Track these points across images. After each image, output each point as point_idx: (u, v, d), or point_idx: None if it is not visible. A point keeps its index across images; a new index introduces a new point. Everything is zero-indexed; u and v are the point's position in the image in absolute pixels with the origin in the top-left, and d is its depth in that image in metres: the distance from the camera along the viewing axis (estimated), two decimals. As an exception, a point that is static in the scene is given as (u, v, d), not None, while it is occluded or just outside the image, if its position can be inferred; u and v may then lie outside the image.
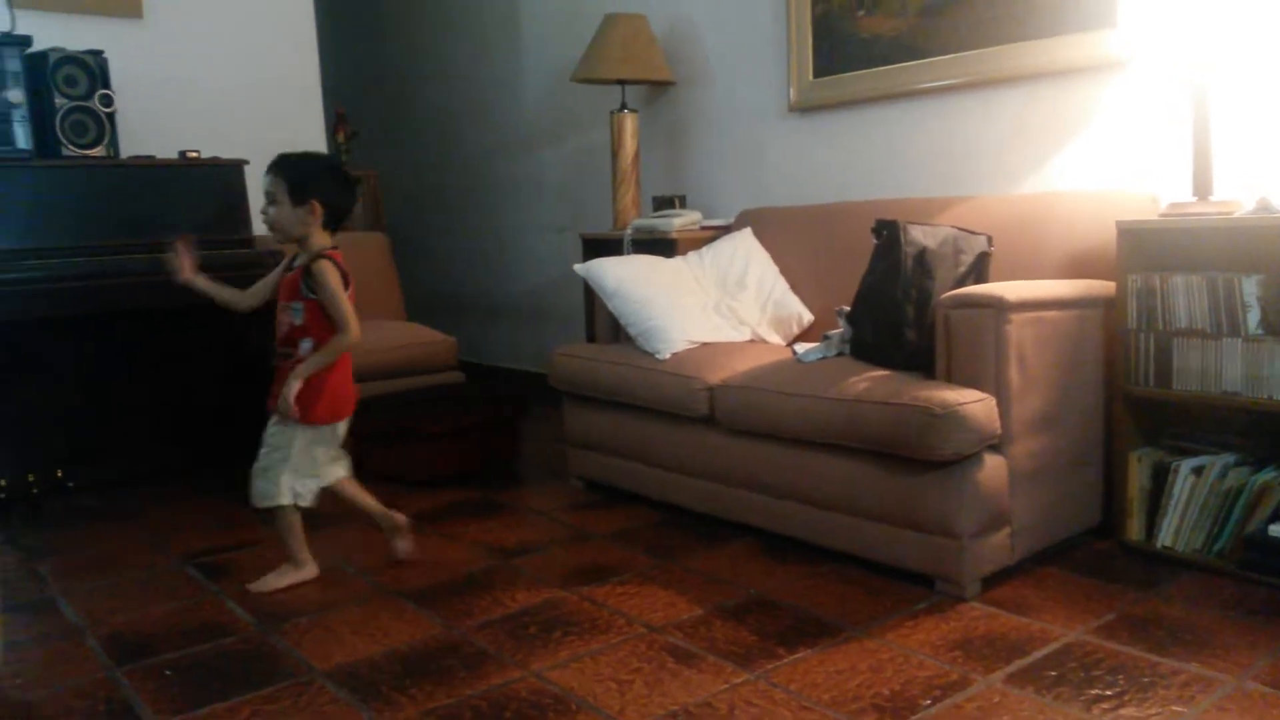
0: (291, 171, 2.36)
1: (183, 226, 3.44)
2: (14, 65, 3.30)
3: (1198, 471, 2.34)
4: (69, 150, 3.36)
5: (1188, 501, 2.35)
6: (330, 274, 2.34)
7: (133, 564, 2.67)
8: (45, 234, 3.22)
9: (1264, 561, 2.21)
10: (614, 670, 1.92)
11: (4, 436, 3.31)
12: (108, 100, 3.44)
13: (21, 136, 3.33)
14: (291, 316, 2.39)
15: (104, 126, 3.44)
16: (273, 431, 2.41)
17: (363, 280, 4.14)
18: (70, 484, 3.33)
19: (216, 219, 3.56)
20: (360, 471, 3.50)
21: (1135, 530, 2.45)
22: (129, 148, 3.61)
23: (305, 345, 2.37)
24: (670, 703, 1.79)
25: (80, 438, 3.44)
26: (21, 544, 2.82)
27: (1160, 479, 2.40)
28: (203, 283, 2.46)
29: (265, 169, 2.38)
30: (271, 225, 2.39)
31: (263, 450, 2.42)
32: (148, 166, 3.48)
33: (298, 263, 2.41)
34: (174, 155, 3.62)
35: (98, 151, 3.42)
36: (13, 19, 3.42)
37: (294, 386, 2.31)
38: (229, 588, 2.46)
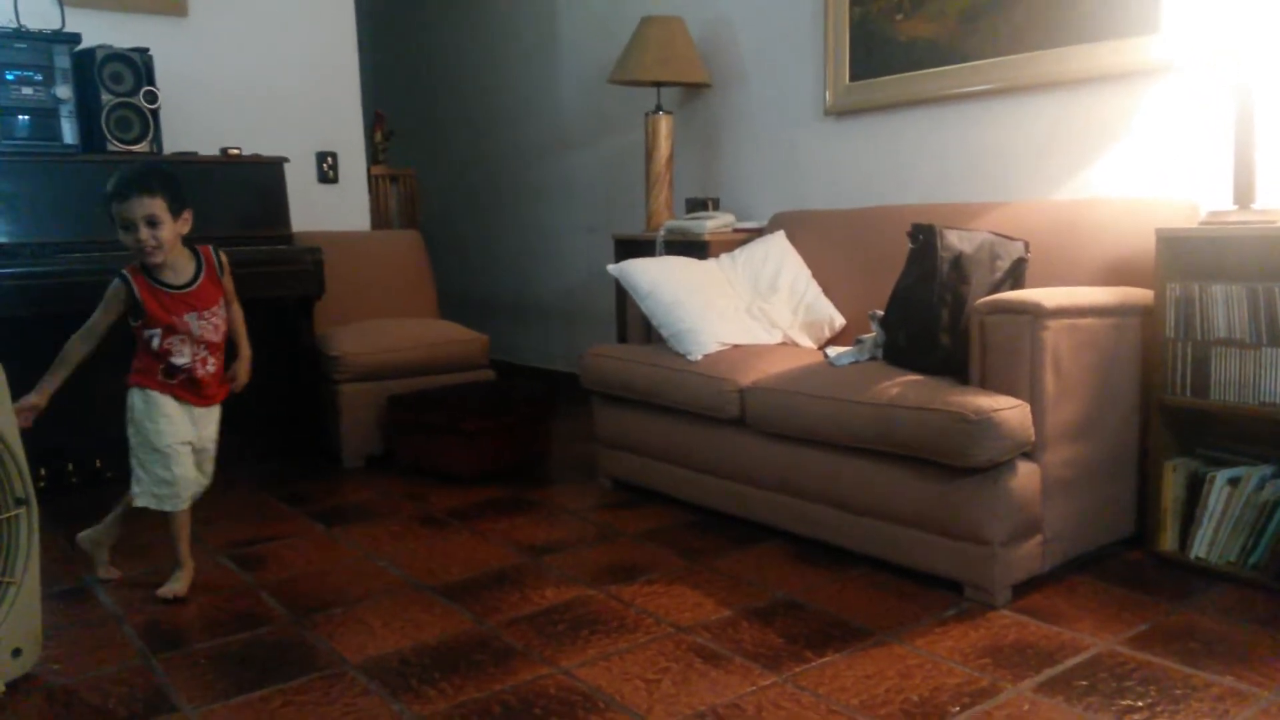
0: (165, 186, 2.25)
1: (224, 221, 3.53)
2: (63, 62, 3.37)
3: (1234, 483, 2.31)
4: (114, 146, 3.42)
5: (1223, 513, 2.32)
6: None
7: (168, 554, 2.71)
8: (91, 227, 3.27)
9: (1302, 576, 2.18)
10: (642, 669, 1.93)
11: (49, 425, 3.37)
12: (152, 97, 3.50)
13: (69, 132, 3.40)
14: (222, 313, 2.41)
15: (148, 122, 3.50)
16: (217, 423, 2.49)
17: (397, 278, 4.22)
18: (109, 474, 3.38)
19: (257, 215, 3.62)
20: (392, 465, 3.56)
21: (1169, 541, 2.42)
22: (172, 144, 3.68)
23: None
24: (698, 703, 1.79)
25: (122, 430, 3.49)
26: (59, 533, 2.88)
27: (1195, 490, 2.37)
28: (42, 400, 2.28)
29: (128, 193, 2.20)
30: (156, 248, 2.24)
31: (214, 447, 2.50)
32: (190, 162, 3.54)
33: (173, 280, 2.32)
34: (216, 152, 3.68)
35: (141, 147, 3.48)
36: (63, 16, 3.49)
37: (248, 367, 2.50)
38: (263, 578, 2.50)
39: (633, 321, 3.35)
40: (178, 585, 2.38)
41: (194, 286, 2.35)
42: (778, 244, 3.35)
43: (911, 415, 2.22)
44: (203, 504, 3.15)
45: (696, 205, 3.90)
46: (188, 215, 2.32)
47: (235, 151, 3.67)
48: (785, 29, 3.75)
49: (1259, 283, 2.23)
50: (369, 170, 4.71)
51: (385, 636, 2.12)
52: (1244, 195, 2.32)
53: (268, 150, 3.77)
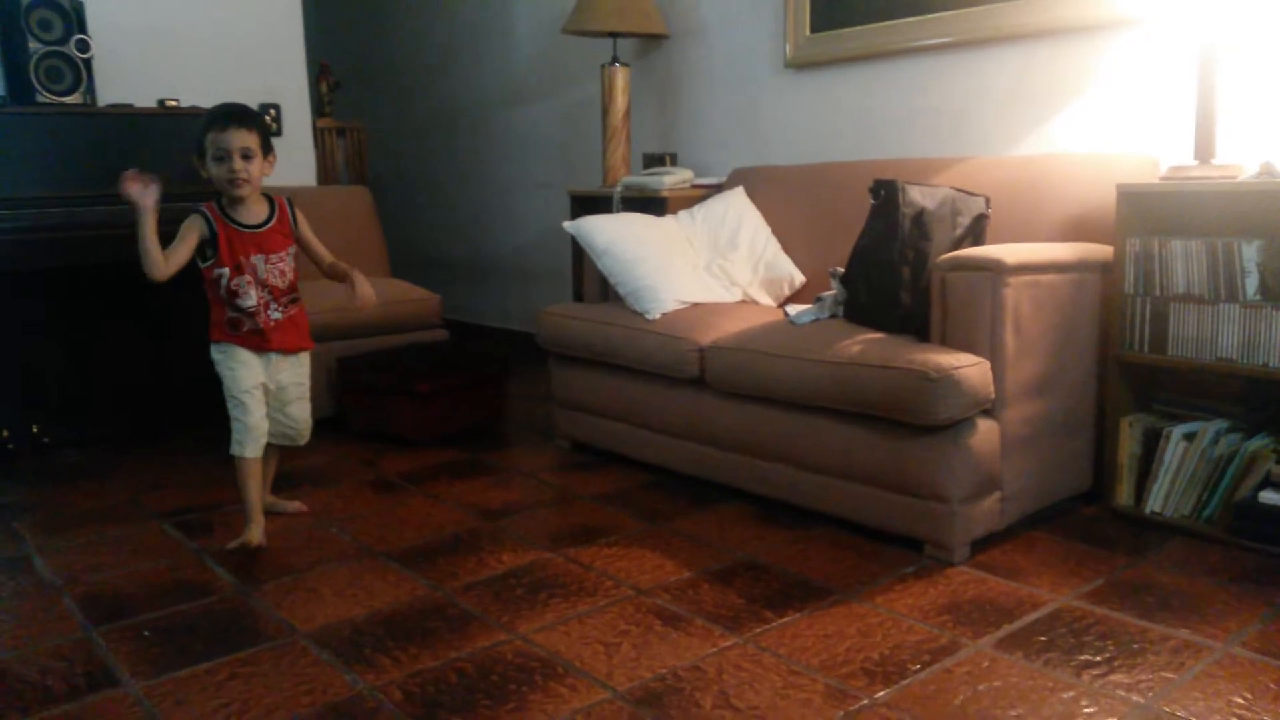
0: (261, 124, 2.34)
1: (162, 176, 3.38)
2: (-16, 7, 3.20)
3: (1189, 438, 2.33)
4: (44, 97, 3.26)
5: (1178, 468, 2.34)
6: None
7: (111, 521, 2.63)
8: (18, 183, 3.13)
9: (1253, 528, 2.20)
10: (601, 633, 1.90)
11: (-21, 390, 3.25)
12: (84, 45, 3.34)
13: (-7, 82, 3.23)
14: (290, 262, 2.42)
15: (80, 73, 3.34)
16: (305, 371, 2.50)
17: (346, 235, 4.10)
18: (46, 440, 3.28)
19: (196, 169, 3.46)
20: (343, 429, 3.48)
21: (1125, 496, 2.44)
22: (106, 95, 3.52)
23: (296, 284, 2.46)
24: (658, 666, 1.77)
25: (58, 394, 3.38)
26: (-2, 500, 2.78)
27: (1151, 445, 2.38)
28: (151, 225, 2.22)
29: (226, 123, 2.28)
30: (245, 181, 2.30)
31: (303, 390, 2.49)
32: (126, 115, 3.39)
33: (246, 219, 2.35)
34: (152, 104, 3.53)
35: (74, 99, 3.32)
36: (-17, -41, 3.30)
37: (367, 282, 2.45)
38: (208, 546, 2.42)
39: (589, 280, 3.28)
40: (249, 535, 2.37)
41: (264, 229, 2.37)
42: (737, 200, 3.29)
43: (872, 373, 2.20)
44: (146, 470, 3.08)
45: (654, 161, 3.83)
46: (273, 158, 2.38)
47: (173, 103, 3.52)
48: (744, -21, 3.67)
49: (1218, 238, 2.23)
50: (314, 123, 4.55)
51: (337, 604, 2.07)
52: (1205, 150, 2.31)
53: (207, 101, 3.54)
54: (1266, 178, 2.20)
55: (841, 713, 1.60)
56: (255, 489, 2.41)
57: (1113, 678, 1.69)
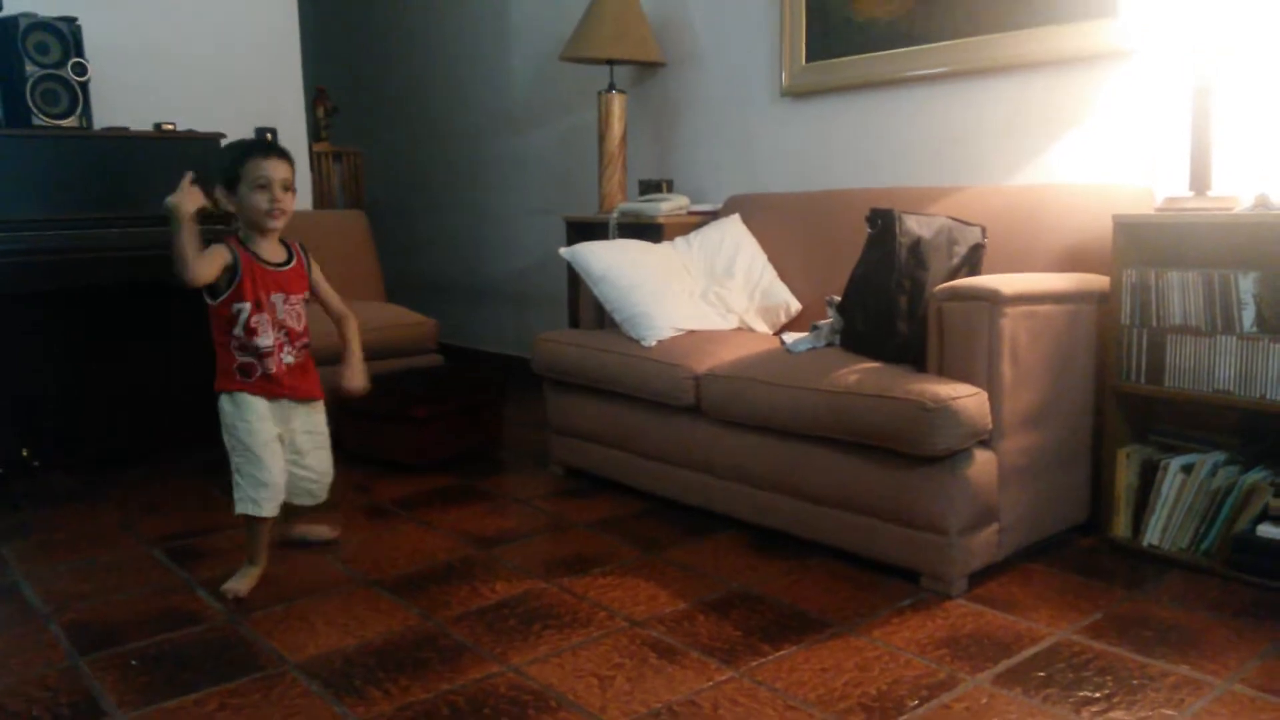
0: (292, 160, 2.31)
1: (157, 200, 3.37)
2: (-18, 30, 3.20)
3: (1187, 469, 2.32)
4: (40, 120, 3.25)
5: (1176, 500, 2.33)
6: None
7: (100, 547, 2.60)
8: (13, 206, 3.12)
9: (1252, 562, 2.19)
10: (595, 665, 1.88)
11: (-31, 413, 3.22)
12: (81, 69, 3.34)
13: (-10, 105, 3.23)
14: (303, 308, 2.36)
15: (77, 96, 3.34)
16: (321, 420, 2.43)
17: (342, 260, 4.09)
18: (36, 464, 3.25)
19: (216, 200, 3.47)
20: (337, 454, 3.45)
21: (1122, 527, 2.42)
22: (103, 119, 3.51)
23: (308, 330, 2.40)
24: (653, 700, 1.74)
25: (49, 417, 3.36)
26: (-15, 525, 2.75)
27: (1149, 476, 2.37)
28: (190, 227, 2.14)
29: (269, 153, 2.24)
30: (284, 213, 2.27)
31: (321, 439, 2.42)
32: (122, 138, 3.38)
33: (269, 256, 2.30)
34: (149, 127, 3.52)
35: (70, 122, 3.32)
36: (-18, -18, 3.31)
37: (363, 368, 2.43)
38: (199, 574, 2.40)
39: (585, 306, 3.28)
40: (242, 583, 2.26)
41: (286, 269, 2.32)
42: (733, 228, 3.30)
43: (869, 403, 2.19)
44: (137, 495, 3.05)
45: (650, 187, 3.84)
46: (294, 199, 2.33)
47: (170, 127, 3.51)
48: (741, 7, 3.69)
49: (1214, 269, 2.23)
50: (311, 148, 4.56)
51: (328, 634, 2.04)
52: (1200, 182, 2.32)
53: (204, 126, 3.61)
54: (1262, 210, 2.21)
55: (839, 749, 1.58)
56: (265, 538, 2.32)
57: (1112, 715, 1.67)
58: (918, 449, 2.11)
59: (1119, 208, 2.41)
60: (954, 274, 2.40)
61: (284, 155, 2.27)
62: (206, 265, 2.18)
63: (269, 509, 2.26)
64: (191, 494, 3.07)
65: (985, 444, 2.20)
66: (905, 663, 1.87)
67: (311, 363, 2.40)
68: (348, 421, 3.43)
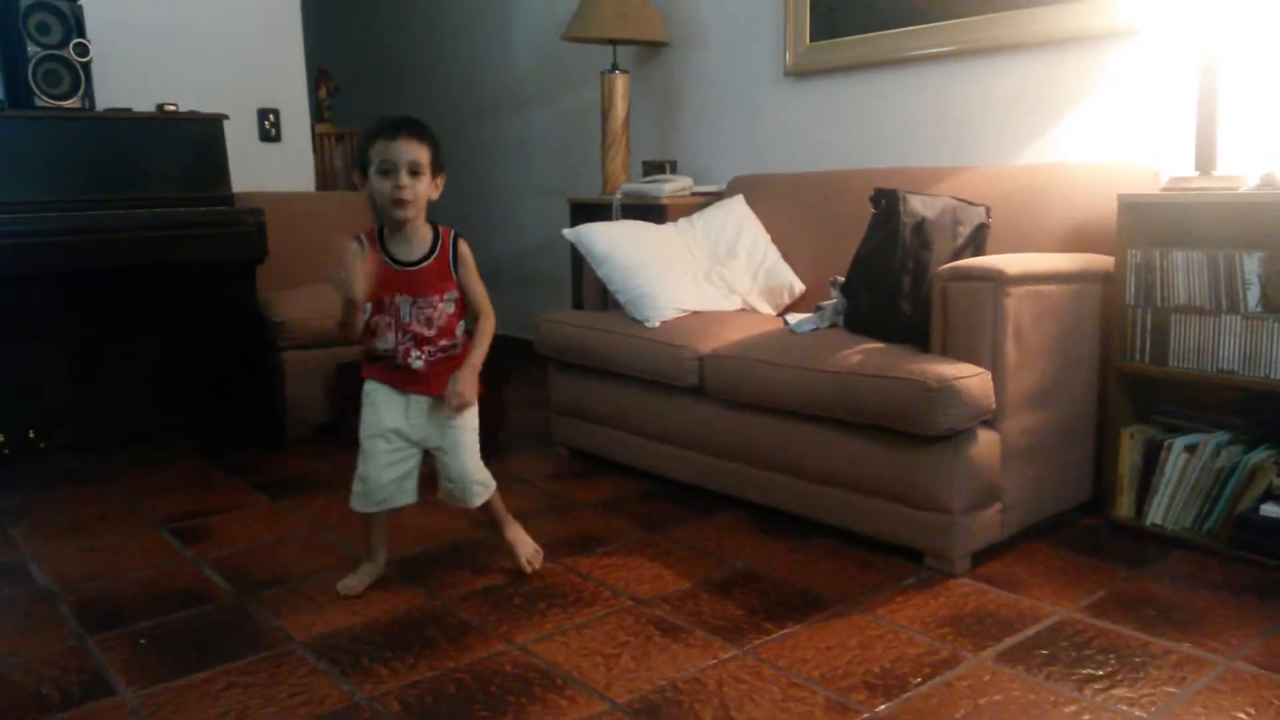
0: (434, 139, 2.05)
1: (160, 182, 3.38)
2: (-18, 11, 3.19)
3: (1190, 449, 2.32)
4: (42, 101, 3.25)
5: (1179, 479, 2.33)
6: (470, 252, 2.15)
7: (107, 527, 2.61)
8: (16, 188, 3.12)
9: (1255, 541, 2.19)
10: (600, 644, 1.89)
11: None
12: (83, 49, 3.33)
13: (-9, 85, 3.22)
14: (444, 308, 2.10)
15: (79, 76, 3.33)
16: (470, 417, 2.16)
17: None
18: (42, 445, 3.26)
19: (195, 175, 3.47)
20: (340, 435, 3.46)
21: (1125, 507, 2.43)
22: (105, 99, 3.51)
23: (459, 330, 2.15)
24: (658, 678, 1.76)
25: (55, 399, 3.37)
26: (-7, 506, 2.77)
27: (1152, 456, 2.38)
28: (360, 307, 2.02)
29: (397, 132, 1.99)
30: (410, 201, 2.00)
31: (466, 440, 2.15)
32: (124, 119, 3.38)
33: (402, 254, 2.06)
34: (151, 108, 3.52)
35: (72, 103, 3.31)
36: (-18, -38, 3.30)
37: (473, 379, 2.10)
38: (206, 553, 2.41)
39: (589, 287, 3.28)
40: (353, 581, 2.16)
41: (418, 267, 2.06)
42: (737, 208, 3.29)
43: (873, 383, 2.19)
44: (143, 476, 3.07)
45: (654, 168, 3.83)
46: (441, 181, 2.08)
47: (172, 108, 3.51)
48: (744, -13, 3.67)
49: (1219, 249, 2.22)
50: (313, 128, 4.55)
51: (334, 613, 2.05)
52: (1206, 161, 2.31)
53: (206, 107, 3.61)
54: (1268, 189, 2.20)
55: (842, 726, 1.59)
56: (374, 536, 2.20)
57: (1115, 692, 1.68)
58: (921, 429, 2.11)
59: (1124, 187, 2.40)
60: (958, 254, 2.40)
61: (415, 134, 2.00)
62: (360, 308, 2.03)
63: (360, 504, 2.14)
64: (197, 475, 3.08)
65: (989, 424, 2.20)
66: (908, 641, 1.88)
67: (460, 362, 2.13)
68: (351, 404, 3.43)
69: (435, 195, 2.07)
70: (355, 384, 3.35)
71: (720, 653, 1.85)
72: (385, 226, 2.08)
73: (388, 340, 2.08)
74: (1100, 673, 1.75)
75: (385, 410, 2.11)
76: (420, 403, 2.12)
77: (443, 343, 2.11)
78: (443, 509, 2.69)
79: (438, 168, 2.06)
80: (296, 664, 1.84)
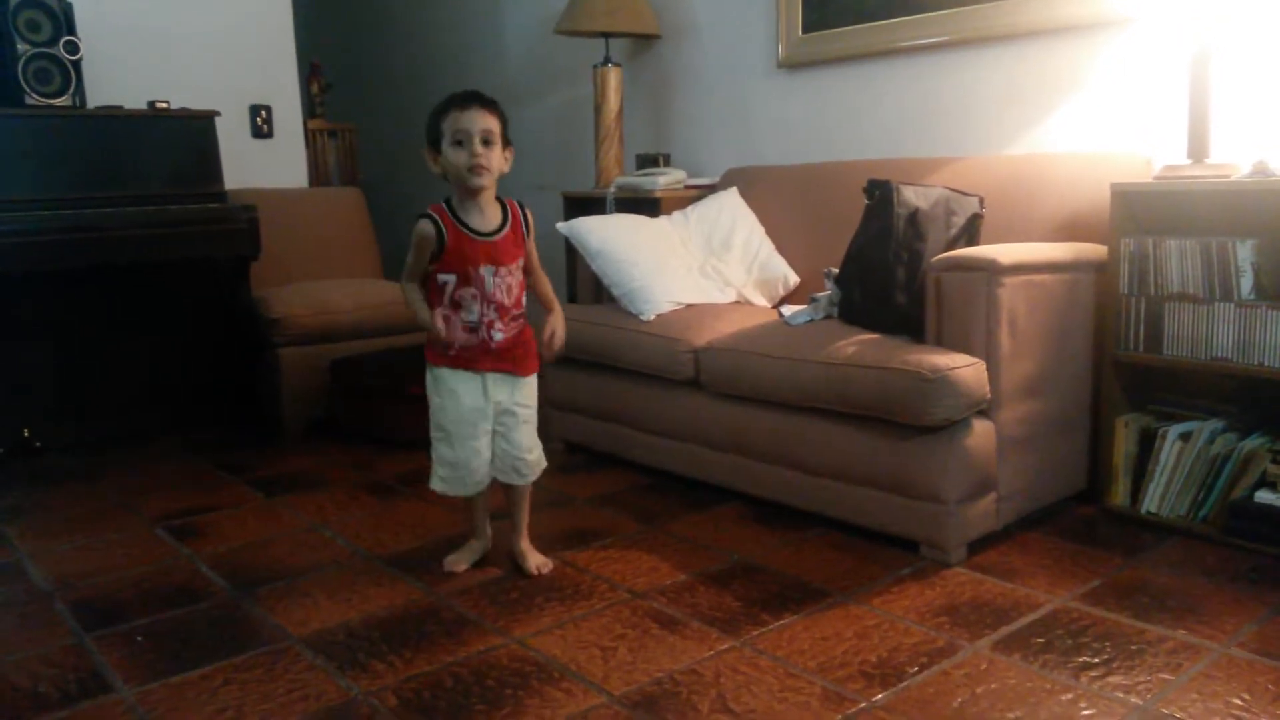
0: (502, 111, 2.09)
1: (152, 179, 3.37)
2: (-29, 9, 3.17)
3: (1185, 437, 2.33)
4: (32, 99, 3.24)
5: (1174, 467, 2.34)
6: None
7: (103, 526, 2.61)
8: (7, 186, 3.11)
9: (1249, 528, 2.20)
10: (597, 637, 1.89)
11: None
12: (73, 47, 3.32)
13: (-20, 84, 3.20)
14: (519, 276, 2.14)
15: (70, 74, 3.32)
16: (532, 396, 2.20)
17: (337, 237, 4.09)
18: (37, 444, 3.25)
19: (187, 172, 3.46)
20: (336, 431, 3.47)
21: (1120, 496, 2.43)
22: (96, 97, 3.50)
23: (522, 301, 2.18)
24: (655, 670, 1.76)
25: (49, 397, 3.36)
26: (-12, 505, 2.76)
27: (1147, 445, 2.38)
28: (437, 320, 2.07)
29: (468, 103, 2.04)
30: (486, 169, 2.03)
31: (527, 414, 2.18)
32: (115, 117, 3.37)
33: (478, 224, 2.08)
34: (143, 106, 3.51)
35: (63, 101, 3.30)
36: (-30, -40, 3.28)
37: (564, 325, 2.19)
38: (201, 550, 2.41)
39: (583, 281, 3.28)
40: (460, 557, 2.24)
41: (497, 237, 2.09)
42: (730, 201, 3.29)
43: (867, 374, 2.19)
44: (139, 474, 3.06)
45: (647, 161, 3.82)
46: (511, 154, 2.12)
47: (163, 105, 3.50)
48: (736, -21, 3.66)
49: (1212, 237, 2.23)
50: (306, 124, 4.54)
51: (331, 609, 2.05)
52: (1198, 149, 2.31)
53: (198, 103, 3.60)
54: (1260, 176, 2.20)
55: (840, 716, 1.60)
56: (477, 514, 2.26)
57: (1111, 679, 1.69)
58: (916, 419, 2.12)
59: (1117, 176, 2.40)
60: (952, 244, 2.40)
61: (486, 104, 2.05)
62: (421, 290, 2.11)
63: (457, 489, 2.17)
64: (191, 473, 3.08)
65: (983, 414, 2.21)
66: (905, 630, 1.88)
67: (528, 334, 2.18)
68: (345, 400, 3.43)
69: (506, 168, 2.11)
70: (350, 379, 3.38)
71: (717, 644, 1.85)
72: (455, 200, 2.10)
73: (473, 312, 2.09)
74: (1096, 660, 1.75)
75: (466, 395, 2.12)
76: (496, 380, 2.14)
77: (516, 312, 2.14)
78: (439, 503, 2.70)
79: (507, 141, 2.10)
80: (293, 660, 1.84)
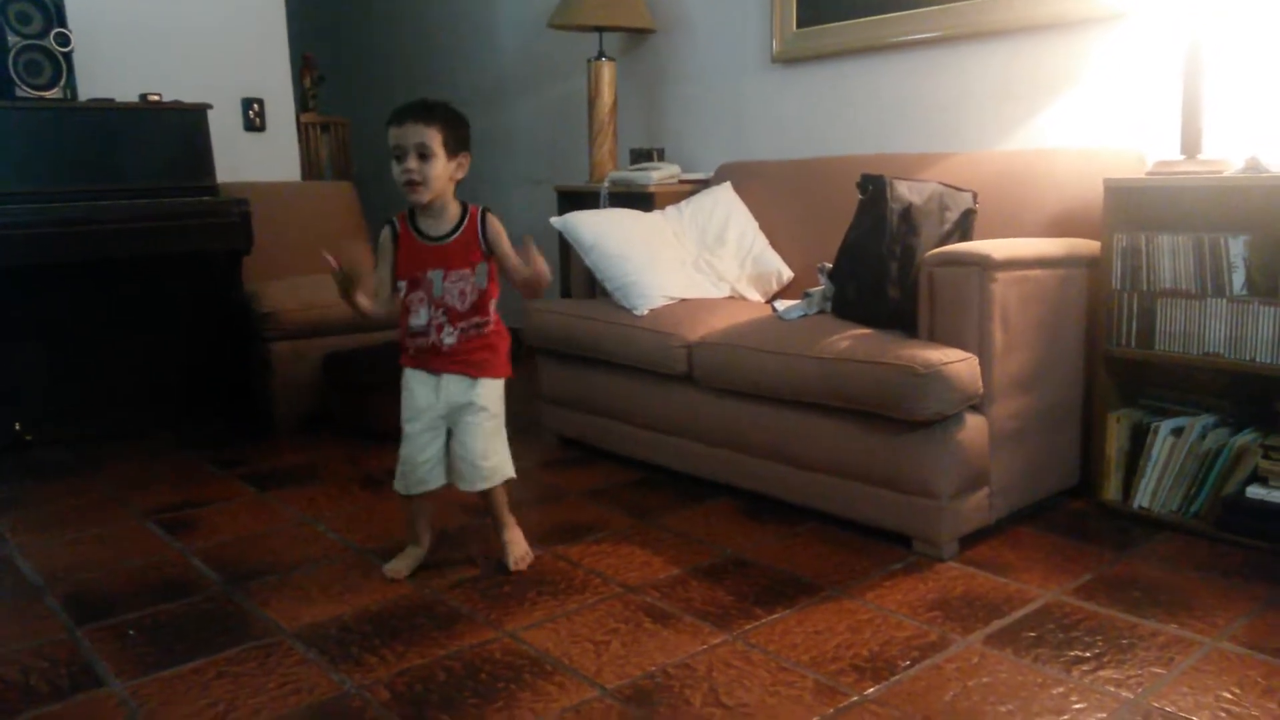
0: (445, 120, 2.06)
1: (143, 173, 3.36)
2: (-39, 0, 3.16)
3: (1177, 432, 2.33)
4: (23, 91, 3.22)
5: (1166, 462, 2.35)
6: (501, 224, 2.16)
7: (95, 520, 2.60)
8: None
9: (1241, 523, 2.21)
10: (590, 631, 1.89)
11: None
12: (64, 39, 3.30)
13: (-30, 76, 3.19)
14: (475, 282, 2.11)
15: (61, 66, 3.30)
16: (488, 398, 2.16)
17: (330, 231, 4.07)
18: (28, 438, 3.24)
19: (179, 165, 3.45)
20: (329, 426, 3.46)
21: (1112, 490, 2.44)
22: (87, 90, 3.48)
23: (493, 309, 2.16)
24: (648, 663, 1.76)
25: (40, 392, 3.35)
26: (-22, 499, 2.75)
27: (1139, 440, 2.39)
28: (363, 302, 2.10)
29: (403, 118, 2.04)
30: (420, 184, 2.02)
31: (481, 420, 2.15)
32: (107, 109, 3.36)
33: (431, 229, 2.09)
34: (134, 98, 3.49)
35: (54, 93, 3.29)
36: (-40, -49, 3.26)
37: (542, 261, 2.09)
38: (193, 544, 2.40)
39: (576, 275, 3.27)
40: (399, 565, 2.19)
41: (448, 241, 2.09)
42: (724, 196, 3.29)
43: (860, 369, 2.19)
44: (130, 468, 3.05)
45: (641, 156, 3.82)
46: (465, 160, 2.09)
47: (155, 98, 3.48)
48: (731, -27, 3.66)
49: (1205, 233, 2.23)
50: (298, 118, 4.52)
51: (323, 603, 2.05)
52: (1191, 145, 2.31)
53: (190, 96, 3.58)
54: (1252, 172, 2.20)
55: (831, 710, 1.60)
56: (416, 520, 2.22)
57: (1102, 673, 1.69)
58: (909, 414, 2.12)
59: (1110, 172, 2.41)
60: (945, 240, 2.40)
61: (421, 118, 2.03)
62: (380, 290, 2.12)
63: (401, 486, 2.17)
64: (183, 468, 3.07)
65: (976, 409, 2.21)
66: (897, 625, 1.89)
67: (493, 340, 2.16)
68: (338, 394, 3.42)
69: (460, 175, 2.10)
70: (342, 373, 3.37)
71: (710, 638, 1.85)
72: (414, 208, 2.11)
73: (421, 316, 2.10)
74: (1088, 654, 1.76)
75: (419, 393, 2.14)
76: (450, 381, 2.13)
77: (475, 319, 2.12)
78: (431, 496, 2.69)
79: (458, 148, 2.08)
80: (285, 653, 1.83)
